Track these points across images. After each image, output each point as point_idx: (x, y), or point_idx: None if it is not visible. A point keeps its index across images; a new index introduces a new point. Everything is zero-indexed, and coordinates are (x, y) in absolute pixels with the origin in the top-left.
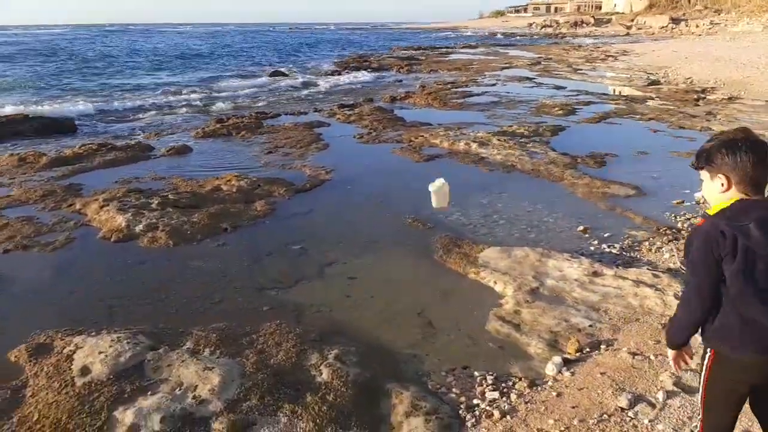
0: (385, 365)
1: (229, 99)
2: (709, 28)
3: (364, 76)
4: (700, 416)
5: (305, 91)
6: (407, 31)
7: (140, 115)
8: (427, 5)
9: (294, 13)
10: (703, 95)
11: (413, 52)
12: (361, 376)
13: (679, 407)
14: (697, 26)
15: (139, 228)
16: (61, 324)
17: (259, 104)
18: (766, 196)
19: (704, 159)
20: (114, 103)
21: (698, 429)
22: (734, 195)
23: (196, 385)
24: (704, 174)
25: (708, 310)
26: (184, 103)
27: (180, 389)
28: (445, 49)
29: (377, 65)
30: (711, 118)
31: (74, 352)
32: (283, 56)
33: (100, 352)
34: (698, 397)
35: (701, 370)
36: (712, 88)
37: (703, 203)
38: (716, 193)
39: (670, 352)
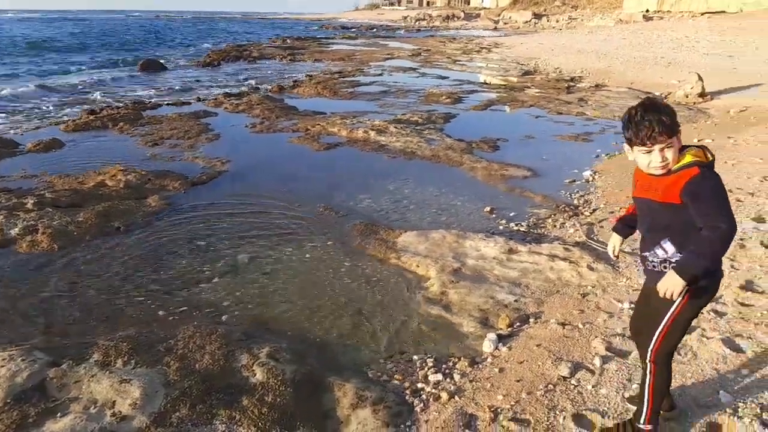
0: (320, 359)
1: (98, 90)
2: (568, 23)
3: (243, 66)
4: (656, 342)
5: (185, 82)
6: (283, 20)
7: None
8: None
9: None
10: (572, 83)
11: (294, 42)
12: (298, 372)
13: (616, 371)
14: (557, 21)
15: (14, 231)
16: None
17: (136, 95)
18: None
19: (674, 130)
20: None
21: (654, 346)
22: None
23: (114, 401)
24: (671, 142)
25: None
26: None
27: (95, 407)
28: (325, 40)
29: (258, 55)
30: (583, 104)
31: None
32: (142, 47)
33: None
34: (660, 329)
35: (672, 304)
36: (579, 77)
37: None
38: (675, 153)
39: (680, 285)
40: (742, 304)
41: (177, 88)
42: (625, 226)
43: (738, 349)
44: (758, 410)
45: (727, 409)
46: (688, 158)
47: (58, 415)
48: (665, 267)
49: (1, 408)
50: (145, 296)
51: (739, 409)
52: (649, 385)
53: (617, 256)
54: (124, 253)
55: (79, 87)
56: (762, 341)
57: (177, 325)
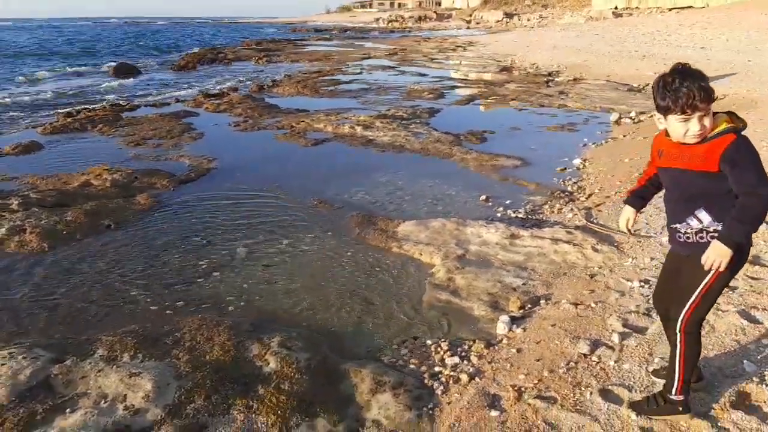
0: (333, 347)
1: (74, 95)
2: (539, 21)
3: (220, 68)
4: (688, 311)
5: (161, 84)
6: (255, 24)
7: None
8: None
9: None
10: (551, 78)
11: (268, 44)
12: (313, 360)
13: (636, 346)
14: (528, 20)
15: (1, 232)
16: None
17: (112, 98)
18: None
19: (713, 95)
20: None
21: (685, 316)
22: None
23: (125, 395)
24: (710, 109)
25: None
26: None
27: (105, 401)
28: (300, 42)
29: (233, 57)
30: (564, 97)
31: None
32: (113, 53)
33: None
34: (694, 297)
35: (707, 274)
36: (557, 71)
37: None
38: (710, 122)
39: (728, 254)
40: (753, 278)
41: (154, 90)
42: (637, 198)
43: (755, 321)
44: None
45: (754, 378)
46: (723, 125)
47: (68, 411)
48: (701, 237)
49: (6, 407)
50: (143, 292)
51: (766, 377)
52: (680, 355)
53: (630, 230)
54: (118, 251)
55: (51, 92)
56: None
57: (181, 318)
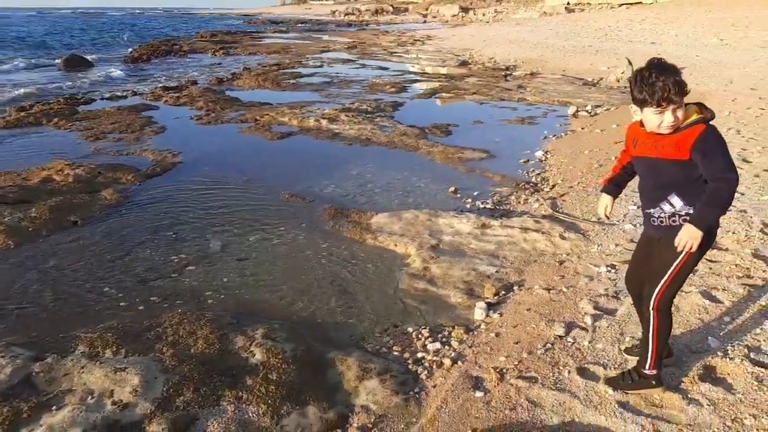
0: (317, 337)
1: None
2: (494, 16)
3: (175, 60)
4: (661, 290)
5: (116, 77)
6: (207, 16)
7: None
8: None
9: None
10: (509, 72)
11: (224, 36)
12: (298, 350)
13: (608, 327)
14: (484, 14)
15: None
16: None
17: (63, 92)
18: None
19: (686, 90)
20: None
21: (657, 295)
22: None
23: (112, 390)
24: (674, 105)
25: None
26: None
27: (92, 398)
28: (257, 34)
29: (189, 49)
30: (523, 91)
31: None
32: (59, 45)
33: None
34: (666, 277)
35: (680, 255)
36: (514, 66)
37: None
38: (679, 114)
39: (699, 236)
40: (712, 261)
41: (108, 83)
42: (615, 186)
43: (716, 300)
44: (746, 351)
45: (718, 353)
46: (694, 116)
47: (54, 408)
48: (674, 221)
49: None
50: (117, 288)
51: (729, 352)
52: (653, 331)
53: (609, 216)
54: (87, 247)
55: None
56: (736, 291)
57: (159, 313)
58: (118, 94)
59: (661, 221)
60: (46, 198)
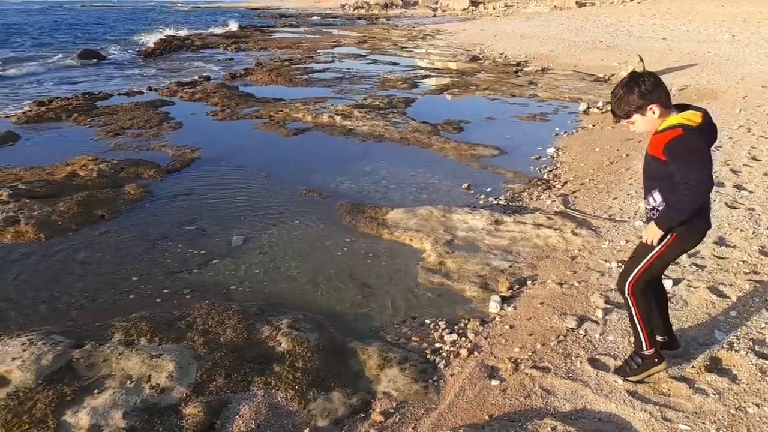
0: (338, 327)
1: (34, 83)
2: (504, 10)
3: (188, 54)
4: (634, 277)
5: (130, 72)
6: (215, 9)
7: None
8: None
9: None
10: (520, 68)
11: (234, 31)
12: (321, 339)
13: (618, 320)
14: (494, 8)
15: None
16: None
17: (79, 87)
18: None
19: (627, 108)
20: None
21: (631, 281)
22: (672, 112)
23: (149, 375)
24: (634, 117)
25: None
26: None
27: (131, 382)
28: (267, 28)
29: (201, 44)
30: (534, 87)
31: None
32: (71, 38)
33: (14, 359)
34: (640, 266)
35: (654, 248)
36: (525, 61)
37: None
38: (653, 121)
39: (659, 235)
40: (719, 258)
41: (123, 78)
42: None
43: (723, 295)
44: (751, 344)
45: (724, 345)
46: (675, 120)
47: (95, 391)
48: (654, 214)
49: (34, 389)
50: (147, 280)
51: (734, 344)
52: (635, 316)
53: None
54: (115, 240)
55: (16, 79)
56: (742, 287)
57: (189, 304)
58: (134, 89)
59: (647, 212)
60: (73, 193)
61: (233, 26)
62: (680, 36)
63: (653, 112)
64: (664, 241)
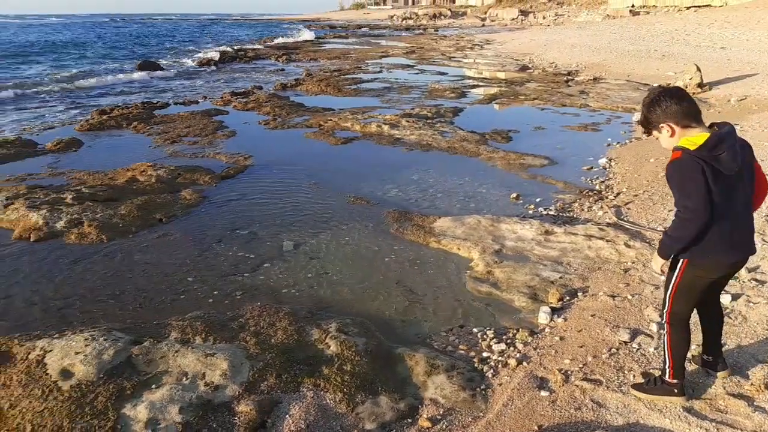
0: (385, 333)
1: (104, 93)
2: (555, 19)
3: (241, 65)
4: (667, 306)
5: (187, 82)
6: (265, 22)
7: None
8: None
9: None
10: (570, 77)
11: (285, 41)
12: (369, 344)
13: None
14: (544, 18)
15: (60, 225)
16: (8, 331)
17: (138, 96)
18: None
19: (647, 124)
20: None
21: (665, 316)
22: (690, 132)
23: (204, 373)
24: (656, 133)
25: (705, 225)
26: (50, 96)
27: (187, 378)
28: (317, 39)
29: (253, 55)
30: (585, 96)
31: (44, 357)
32: (130, 50)
33: (77, 353)
34: (668, 294)
35: (673, 274)
36: (576, 70)
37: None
38: (668, 139)
39: (660, 263)
40: None
41: (180, 87)
42: None
43: None
44: None
45: None
46: (681, 142)
47: (153, 386)
48: None
49: (96, 382)
50: (201, 281)
51: None
52: (666, 344)
53: None
54: (172, 243)
55: (79, 88)
56: None
57: (241, 306)
58: (190, 99)
59: None
60: (133, 197)
61: (306, 35)
62: (739, 45)
63: (666, 130)
64: (677, 269)
